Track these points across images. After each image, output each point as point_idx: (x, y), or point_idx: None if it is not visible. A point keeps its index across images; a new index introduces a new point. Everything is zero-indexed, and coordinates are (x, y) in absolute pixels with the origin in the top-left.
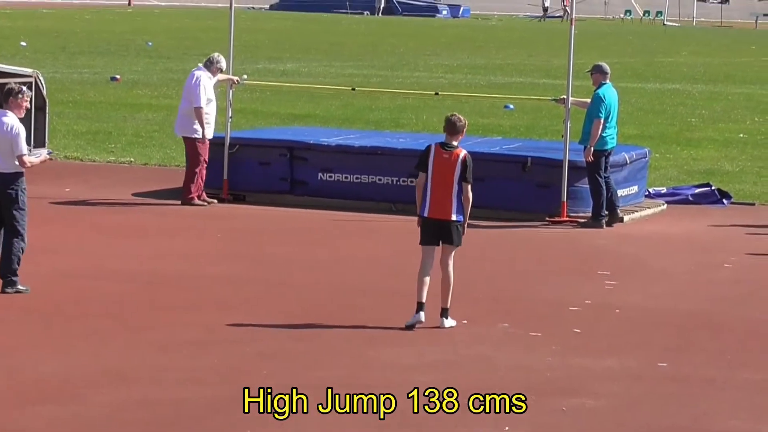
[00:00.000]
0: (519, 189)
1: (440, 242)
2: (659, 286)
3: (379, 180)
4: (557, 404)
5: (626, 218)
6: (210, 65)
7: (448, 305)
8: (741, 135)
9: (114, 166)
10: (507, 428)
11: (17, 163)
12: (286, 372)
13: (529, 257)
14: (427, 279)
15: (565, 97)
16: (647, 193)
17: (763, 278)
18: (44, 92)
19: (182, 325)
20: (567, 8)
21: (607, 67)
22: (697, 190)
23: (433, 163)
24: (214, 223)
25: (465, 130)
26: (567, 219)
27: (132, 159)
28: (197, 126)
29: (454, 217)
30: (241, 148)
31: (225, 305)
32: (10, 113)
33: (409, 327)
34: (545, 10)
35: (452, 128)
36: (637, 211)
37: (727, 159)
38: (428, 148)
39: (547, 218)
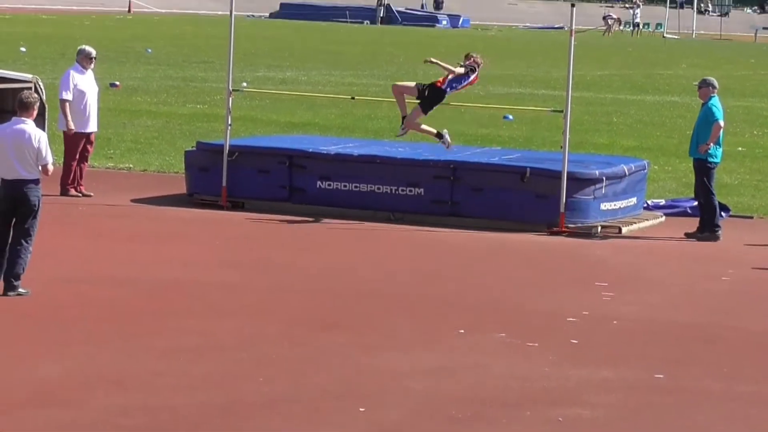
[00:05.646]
0: (518, 199)
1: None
2: (657, 297)
3: (378, 189)
4: (554, 414)
5: (624, 229)
6: (78, 57)
7: None
8: (740, 148)
9: (113, 172)
10: None
11: (40, 170)
12: (281, 378)
13: (527, 267)
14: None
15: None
16: (646, 205)
17: (760, 291)
18: (44, 98)
19: (179, 331)
20: (611, 20)
21: (715, 82)
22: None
23: None
24: (212, 230)
25: None
26: (566, 230)
27: (131, 165)
28: (62, 117)
29: None
30: (240, 155)
31: (222, 311)
32: (29, 121)
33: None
34: (611, 23)
35: None
36: (635, 223)
37: (726, 172)
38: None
39: (547, 229)
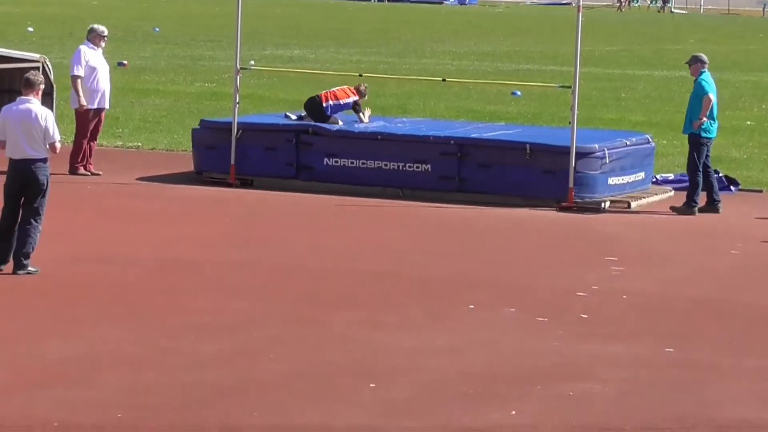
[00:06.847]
0: (525, 175)
1: None
2: (666, 271)
3: (385, 165)
4: (564, 389)
5: (633, 204)
6: (89, 35)
7: None
8: (748, 122)
9: (121, 151)
10: (513, 412)
11: (47, 148)
12: (292, 357)
13: (536, 243)
14: None
15: None
16: (655, 179)
17: None
18: (52, 77)
19: (189, 310)
20: None
21: (705, 57)
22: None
23: None
24: (221, 208)
25: None
26: (574, 205)
27: (139, 144)
28: (74, 95)
29: None
30: (247, 133)
31: (232, 290)
32: (34, 100)
33: None
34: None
35: None
36: (644, 197)
37: (735, 146)
38: None
39: (556, 204)
